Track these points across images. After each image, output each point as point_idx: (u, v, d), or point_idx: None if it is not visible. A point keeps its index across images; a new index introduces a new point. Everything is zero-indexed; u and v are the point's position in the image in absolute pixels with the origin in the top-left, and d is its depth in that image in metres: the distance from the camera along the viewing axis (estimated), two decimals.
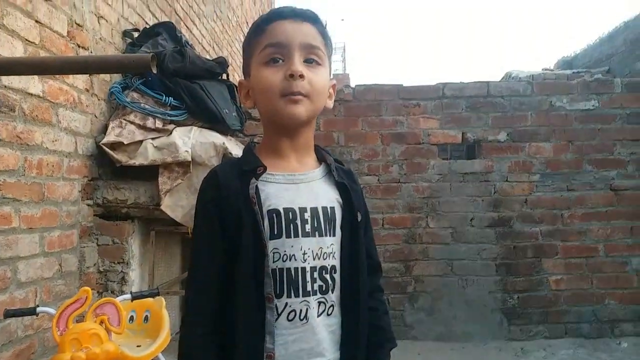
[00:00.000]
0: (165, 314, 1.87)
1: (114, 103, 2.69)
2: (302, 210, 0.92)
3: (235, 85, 2.86)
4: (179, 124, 2.65)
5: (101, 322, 1.51)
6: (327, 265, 0.93)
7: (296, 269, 0.90)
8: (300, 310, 0.90)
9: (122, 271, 2.61)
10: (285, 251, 0.90)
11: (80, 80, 2.42)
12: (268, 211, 0.90)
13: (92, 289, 1.83)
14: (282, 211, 0.91)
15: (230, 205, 0.90)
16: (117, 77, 2.75)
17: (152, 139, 2.55)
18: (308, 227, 0.92)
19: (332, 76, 1.02)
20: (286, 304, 0.89)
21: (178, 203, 2.54)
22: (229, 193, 0.91)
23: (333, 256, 0.94)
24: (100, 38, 2.64)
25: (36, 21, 2.07)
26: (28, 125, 2.03)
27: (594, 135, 3.46)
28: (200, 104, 2.65)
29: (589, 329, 3.35)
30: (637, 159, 3.43)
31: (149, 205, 2.59)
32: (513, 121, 3.47)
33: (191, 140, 2.55)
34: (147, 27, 3.07)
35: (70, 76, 2.31)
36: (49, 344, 2.14)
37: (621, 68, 4.31)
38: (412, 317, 3.38)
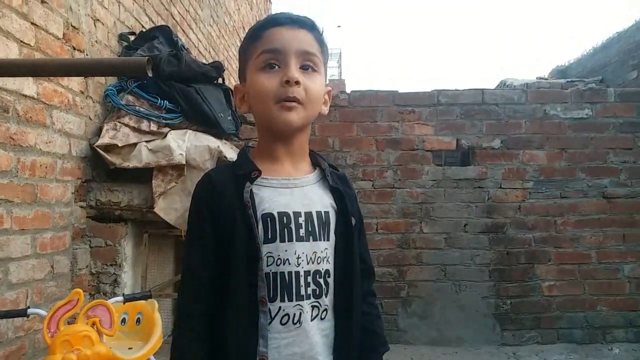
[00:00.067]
0: (158, 317, 1.86)
1: (109, 105, 2.69)
2: (297, 214, 0.92)
3: (231, 90, 2.86)
4: (173, 127, 2.65)
5: (93, 324, 1.50)
6: (321, 269, 0.93)
7: (290, 273, 0.90)
8: (294, 314, 0.90)
9: (114, 273, 2.60)
10: (279, 255, 0.90)
11: (75, 82, 2.41)
12: (262, 215, 0.91)
13: (84, 291, 1.82)
14: (276, 215, 0.91)
15: (224, 209, 0.90)
16: (112, 80, 2.75)
17: (147, 141, 2.55)
18: (302, 231, 0.92)
19: (327, 82, 1.02)
20: (280, 307, 0.89)
21: (172, 206, 2.54)
22: (223, 197, 0.91)
23: (327, 260, 0.94)
24: (96, 41, 2.63)
25: (32, 23, 2.07)
26: (22, 127, 2.02)
27: (587, 144, 3.48)
28: (196, 107, 2.65)
29: (581, 335, 3.37)
30: (629, 167, 3.46)
31: (142, 207, 2.59)
32: (507, 129, 3.49)
33: (186, 144, 2.54)
34: (144, 30, 3.08)
35: (65, 78, 2.31)
36: (39, 345, 2.13)
37: (615, 78, 4.36)
38: (405, 321, 3.39)
